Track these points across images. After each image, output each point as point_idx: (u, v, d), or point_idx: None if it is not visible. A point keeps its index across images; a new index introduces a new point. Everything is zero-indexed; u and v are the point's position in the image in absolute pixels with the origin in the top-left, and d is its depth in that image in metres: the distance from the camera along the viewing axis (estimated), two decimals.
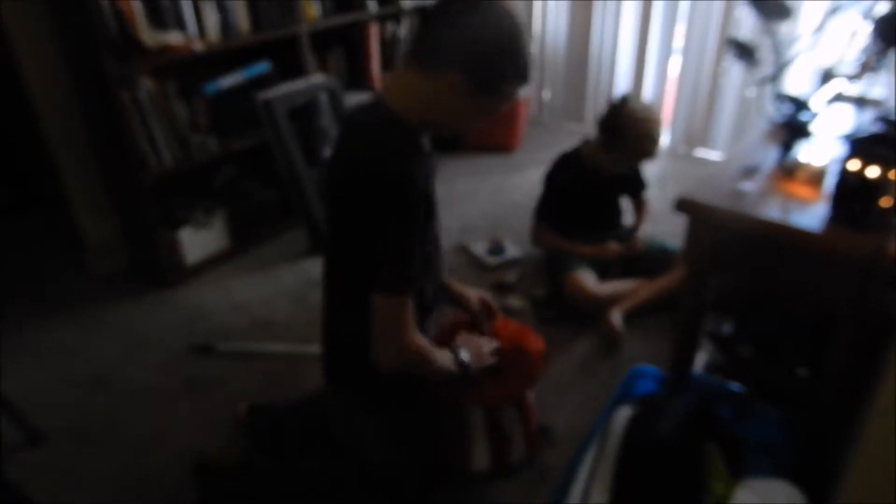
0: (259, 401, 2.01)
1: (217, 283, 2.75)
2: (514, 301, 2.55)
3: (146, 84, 2.44)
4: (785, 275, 1.52)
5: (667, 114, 3.67)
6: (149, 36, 2.38)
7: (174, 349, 2.35)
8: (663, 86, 3.68)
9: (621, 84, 3.79)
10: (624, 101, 2.39)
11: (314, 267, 2.78)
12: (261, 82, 2.78)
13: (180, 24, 2.46)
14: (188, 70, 2.58)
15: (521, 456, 1.73)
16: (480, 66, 1.15)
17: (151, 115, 2.46)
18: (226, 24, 2.61)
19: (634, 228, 2.61)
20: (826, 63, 1.95)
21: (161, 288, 2.68)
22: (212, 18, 2.55)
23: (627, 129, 2.34)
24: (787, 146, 1.70)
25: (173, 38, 2.42)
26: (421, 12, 3.42)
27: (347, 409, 1.47)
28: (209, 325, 2.48)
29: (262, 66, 2.80)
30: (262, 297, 2.65)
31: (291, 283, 2.73)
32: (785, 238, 1.45)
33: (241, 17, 2.66)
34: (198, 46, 2.49)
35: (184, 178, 2.72)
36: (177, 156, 2.60)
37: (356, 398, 1.45)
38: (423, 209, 1.19)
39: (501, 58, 1.15)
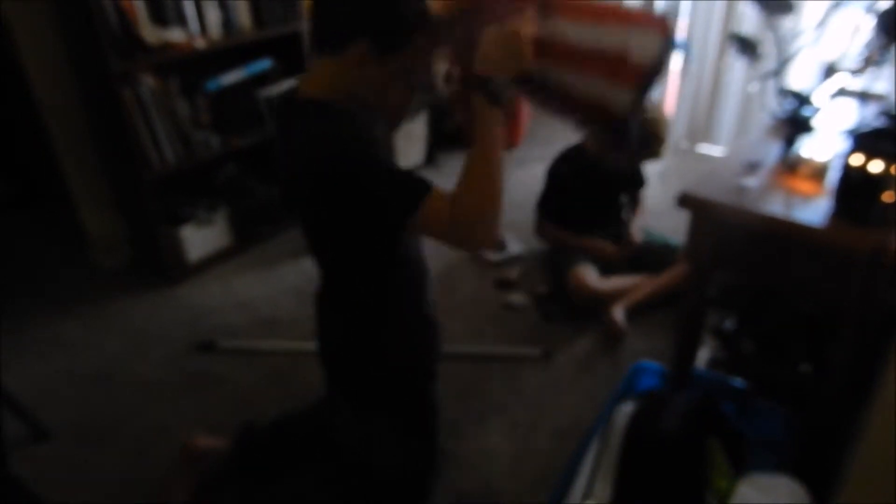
0: (243, 420, 1.97)
1: (220, 280, 2.75)
2: (517, 297, 2.55)
3: (148, 81, 2.44)
4: (788, 270, 1.52)
5: (669, 109, 3.66)
6: (151, 33, 2.38)
7: (177, 346, 2.36)
8: (665, 80, 3.66)
9: None
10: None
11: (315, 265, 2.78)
12: (263, 79, 2.79)
13: (182, 22, 2.46)
14: (190, 67, 2.58)
15: None
16: (379, 22, 1.09)
17: (154, 112, 2.47)
18: (227, 21, 2.61)
19: (628, 227, 2.60)
20: (829, 58, 1.95)
21: (164, 285, 2.69)
22: (213, 15, 2.55)
23: (633, 127, 2.33)
24: (789, 141, 1.69)
25: (175, 35, 2.43)
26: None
27: (351, 414, 1.47)
28: (212, 322, 2.49)
29: (264, 63, 2.80)
30: (265, 294, 2.65)
31: (294, 280, 2.73)
32: (787, 233, 1.44)
33: (243, 14, 2.66)
34: (200, 44, 2.49)
35: (186, 176, 2.72)
36: (179, 153, 2.60)
37: (358, 402, 1.44)
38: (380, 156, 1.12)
39: (395, 4, 1.09)
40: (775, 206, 1.48)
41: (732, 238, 1.54)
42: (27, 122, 2.58)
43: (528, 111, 3.88)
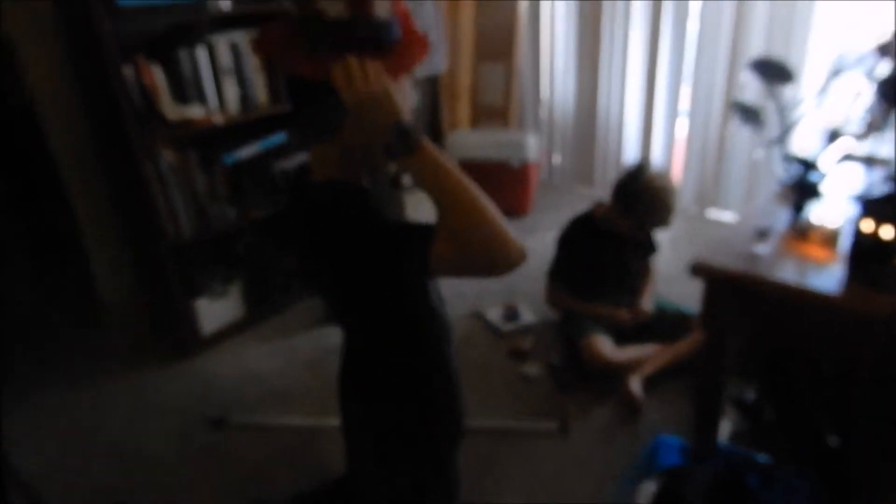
0: (254, 499, 1.92)
1: (233, 352, 2.74)
2: (531, 368, 2.51)
3: (168, 155, 2.52)
4: (804, 337, 1.50)
5: (676, 175, 3.70)
6: (172, 110, 2.47)
7: (188, 420, 2.33)
8: (671, 147, 3.72)
9: (630, 146, 3.85)
10: (640, 168, 2.40)
11: (330, 335, 2.77)
12: (278, 152, 2.86)
13: (202, 99, 2.56)
14: (208, 141, 2.66)
15: None
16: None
17: (172, 185, 2.53)
18: (245, 98, 2.71)
19: (639, 296, 2.58)
20: (832, 123, 1.98)
21: (177, 356, 2.68)
22: (232, 92, 2.65)
23: (643, 197, 2.35)
24: (798, 207, 1.70)
25: (195, 111, 2.51)
26: None
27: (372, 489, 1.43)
28: (224, 395, 2.47)
29: (279, 137, 2.88)
30: (278, 366, 2.64)
31: (307, 351, 2.72)
32: (802, 300, 1.43)
33: (260, 91, 2.76)
34: (218, 119, 2.57)
35: (202, 246, 2.76)
36: (196, 225, 2.65)
37: (383, 467, 1.41)
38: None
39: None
40: (788, 273, 1.47)
41: (747, 306, 1.53)
42: (50, 192, 2.65)
43: (536, 179, 3.95)
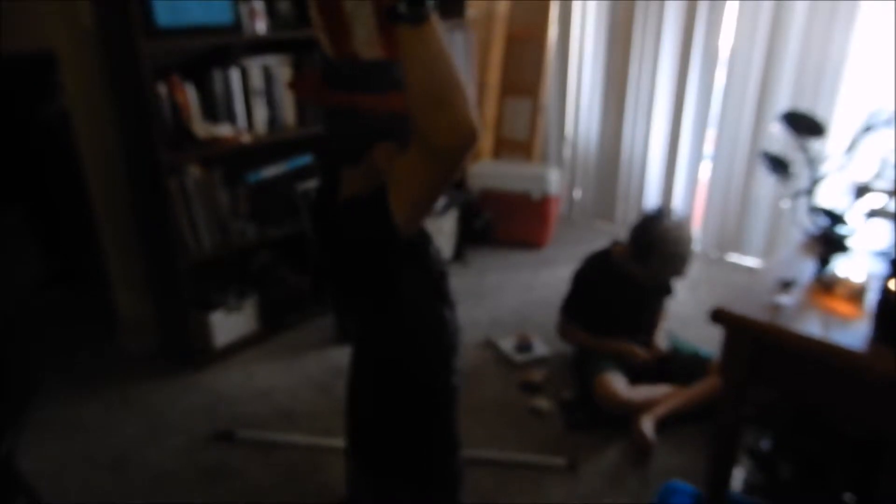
0: None
1: (243, 367, 2.75)
2: (542, 402, 2.49)
3: (194, 172, 2.55)
4: (827, 392, 1.47)
5: (698, 217, 3.69)
6: (201, 128, 2.52)
7: (195, 434, 2.33)
8: (694, 189, 3.72)
9: (652, 185, 3.85)
10: (657, 216, 2.37)
11: (340, 356, 2.77)
12: (302, 174, 2.89)
13: (231, 118, 2.60)
14: (234, 159, 2.70)
15: None
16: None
17: (196, 201, 2.56)
18: (273, 119, 2.75)
19: (652, 334, 2.56)
20: (860, 178, 1.97)
21: (188, 370, 2.69)
22: (261, 113, 2.70)
23: (659, 246, 2.33)
24: (824, 260, 1.68)
25: (224, 130, 2.56)
26: None
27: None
28: (232, 410, 2.46)
29: (304, 159, 2.91)
30: (287, 384, 2.63)
31: (317, 371, 2.72)
32: (826, 355, 1.41)
33: (288, 113, 2.80)
34: (246, 139, 2.61)
35: (220, 262, 2.78)
36: (216, 240, 2.68)
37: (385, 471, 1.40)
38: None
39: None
40: (812, 327, 1.45)
41: (769, 356, 1.50)
42: (75, 202, 2.70)
43: (556, 213, 3.96)
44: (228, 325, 2.78)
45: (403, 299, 1.25)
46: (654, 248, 2.34)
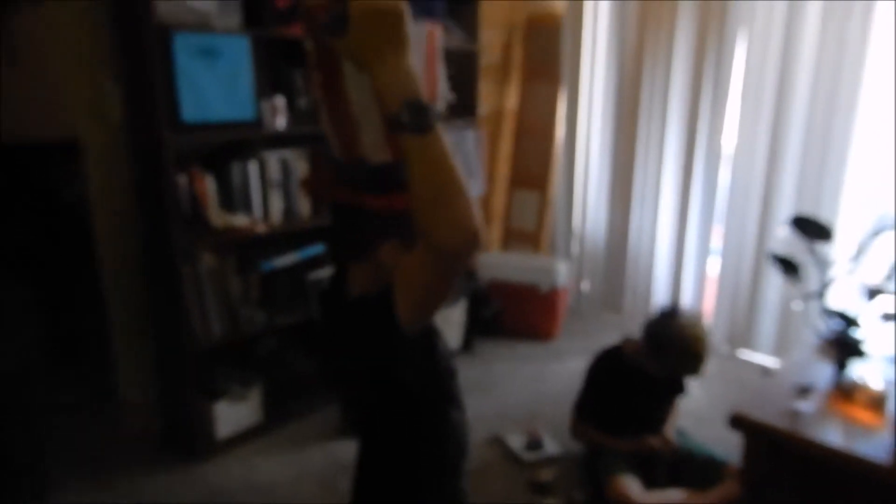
0: None
1: (244, 460, 2.67)
2: (552, 503, 2.39)
3: (207, 259, 2.59)
4: (849, 503, 1.42)
5: (708, 312, 3.67)
6: (218, 217, 2.57)
7: None
8: (703, 283, 3.72)
9: (660, 278, 3.86)
10: (672, 314, 2.37)
11: (346, 450, 2.69)
12: (314, 263, 2.92)
13: (247, 208, 2.66)
14: (248, 247, 2.74)
15: None
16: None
17: (208, 288, 2.58)
18: (289, 210, 2.81)
19: (663, 428, 2.50)
20: (871, 281, 1.98)
21: (189, 460, 2.62)
22: (277, 204, 2.76)
23: (674, 344, 2.30)
24: (841, 365, 1.66)
25: (239, 220, 2.61)
26: None
27: None
28: None
29: (316, 248, 2.95)
30: (289, 479, 2.55)
31: (320, 465, 2.64)
32: (848, 466, 1.37)
33: (303, 204, 2.86)
34: (261, 228, 2.66)
35: (228, 348, 2.76)
36: (225, 327, 2.67)
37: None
38: None
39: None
40: (833, 436, 1.42)
41: (789, 464, 1.46)
42: (87, 286, 2.71)
43: (564, 305, 3.95)
44: (232, 415, 2.73)
45: (410, 401, 1.23)
46: (671, 344, 2.31)
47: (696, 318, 2.37)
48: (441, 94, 1.13)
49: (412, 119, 0.91)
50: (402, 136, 0.93)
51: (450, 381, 1.31)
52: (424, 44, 1.05)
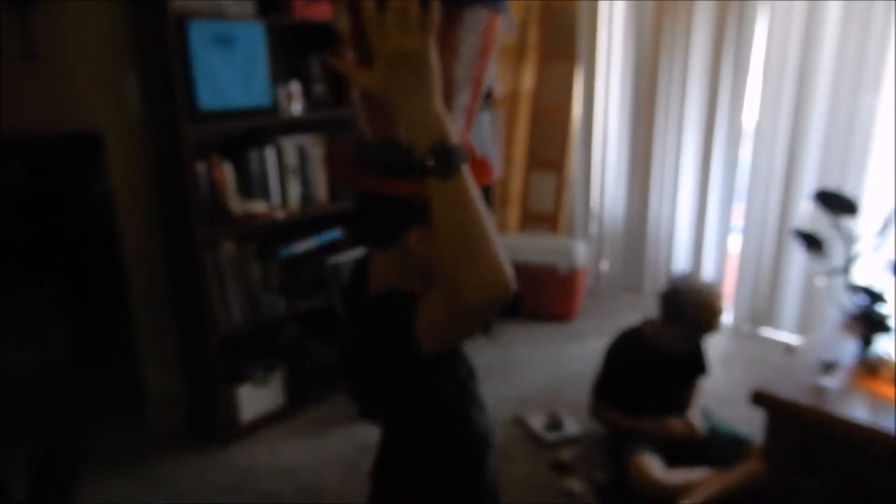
0: None
1: (268, 443, 2.71)
2: (574, 484, 2.40)
3: (228, 247, 2.61)
4: (876, 480, 1.40)
5: (729, 290, 3.64)
6: (237, 204, 2.59)
7: None
8: (724, 262, 3.68)
9: (680, 257, 3.83)
10: (684, 277, 2.44)
11: (368, 432, 2.72)
12: (333, 248, 2.94)
13: (266, 195, 2.68)
14: (267, 234, 2.76)
15: None
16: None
17: (229, 276, 2.61)
18: (307, 195, 2.82)
19: (687, 411, 2.49)
20: None
21: (214, 446, 2.66)
22: (294, 190, 2.77)
23: (688, 299, 2.34)
24: (867, 340, 1.64)
25: (258, 206, 2.63)
26: None
27: None
28: (258, 488, 2.42)
29: (335, 234, 2.96)
30: (312, 461, 2.59)
31: (342, 448, 2.67)
32: (877, 443, 1.35)
33: (321, 189, 2.88)
34: (280, 215, 2.68)
35: (250, 335, 2.80)
36: (246, 314, 2.70)
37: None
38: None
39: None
40: (860, 412, 1.40)
41: (813, 441, 1.45)
42: (111, 280, 2.75)
43: (583, 286, 3.94)
44: (255, 399, 2.77)
45: (427, 402, 1.19)
46: (685, 299, 2.33)
47: (708, 281, 2.42)
48: (487, 83, 1.12)
49: (437, 163, 0.90)
50: (428, 180, 0.92)
51: (468, 379, 1.30)
52: (481, 32, 1.03)
